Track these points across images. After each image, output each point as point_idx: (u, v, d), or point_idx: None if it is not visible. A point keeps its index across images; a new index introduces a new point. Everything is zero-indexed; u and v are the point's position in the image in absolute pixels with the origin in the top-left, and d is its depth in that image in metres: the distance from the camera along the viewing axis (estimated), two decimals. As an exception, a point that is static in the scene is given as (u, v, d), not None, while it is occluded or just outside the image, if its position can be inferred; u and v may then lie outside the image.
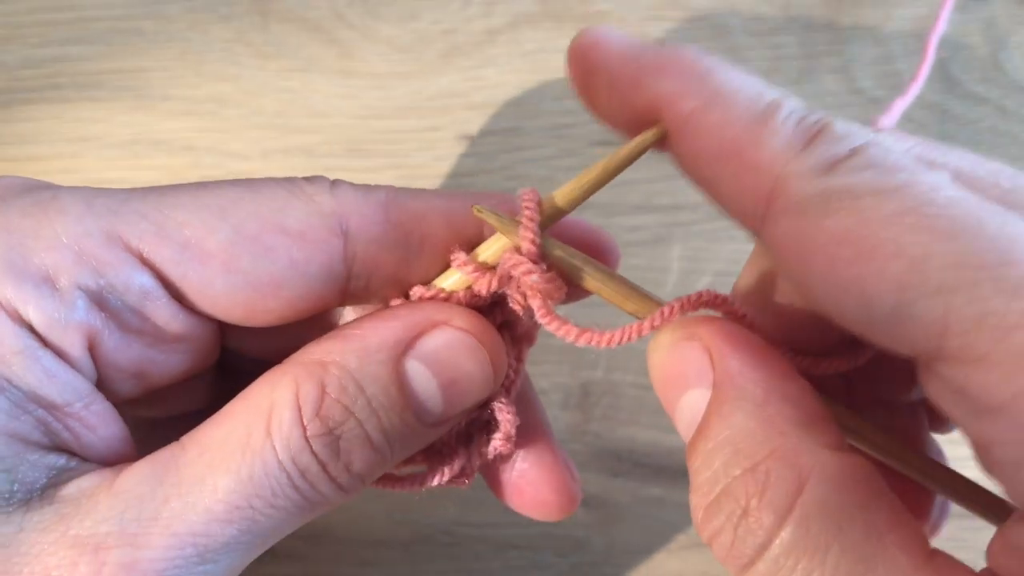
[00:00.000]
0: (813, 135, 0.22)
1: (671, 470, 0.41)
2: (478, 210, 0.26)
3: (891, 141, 0.23)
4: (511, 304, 0.27)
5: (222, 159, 0.47)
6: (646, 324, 0.25)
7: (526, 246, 0.25)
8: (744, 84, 0.23)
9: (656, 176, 0.46)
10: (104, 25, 0.49)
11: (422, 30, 0.49)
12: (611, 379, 0.43)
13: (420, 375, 0.26)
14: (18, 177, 0.26)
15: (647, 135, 0.24)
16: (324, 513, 0.26)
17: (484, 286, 0.26)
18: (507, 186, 0.46)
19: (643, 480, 0.42)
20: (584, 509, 0.41)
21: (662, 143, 0.24)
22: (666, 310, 0.25)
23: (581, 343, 0.26)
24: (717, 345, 0.24)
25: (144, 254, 0.24)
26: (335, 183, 0.26)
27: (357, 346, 0.25)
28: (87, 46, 0.49)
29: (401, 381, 0.25)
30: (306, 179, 0.26)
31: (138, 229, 0.24)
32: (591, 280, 0.26)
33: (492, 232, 0.26)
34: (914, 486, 0.28)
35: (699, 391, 0.23)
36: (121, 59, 0.49)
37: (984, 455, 0.21)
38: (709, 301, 0.25)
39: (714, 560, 0.41)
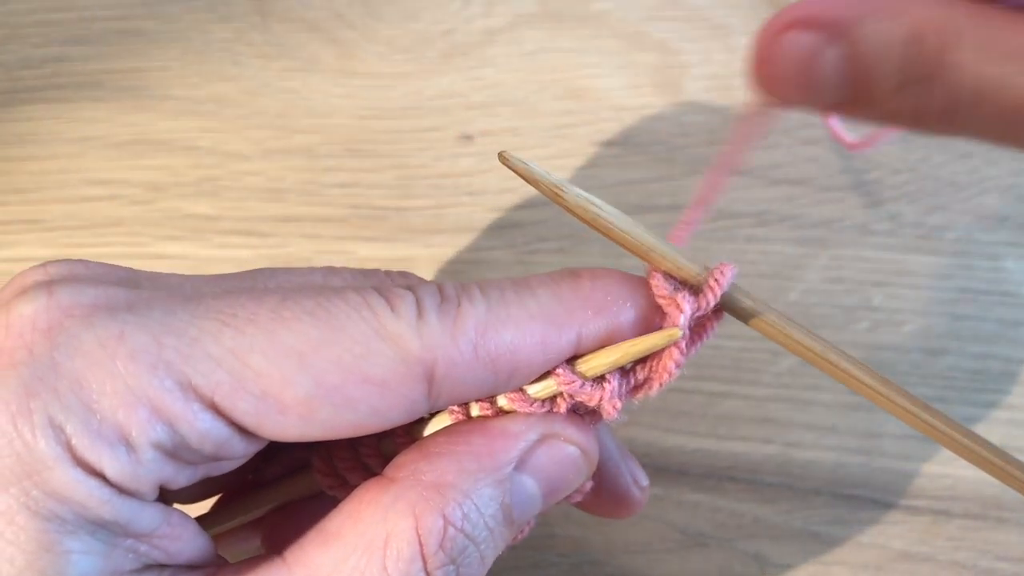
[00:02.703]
0: None
1: (671, 470, 0.41)
2: (504, 158, 0.25)
3: None
4: (583, 398, 0.26)
5: (223, 159, 0.47)
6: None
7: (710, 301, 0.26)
8: None
9: (656, 176, 0.46)
10: (104, 25, 0.49)
11: (422, 30, 0.49)
12: (611, 379, 0.43)
13: (528, 488, 0.26)
14: (66, 284, 0.24)
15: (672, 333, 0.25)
16: None
17: (596, 397, 0.26)
18: (506, 186, 0.46)
19: (643, 480, 0.42)
20: (584, 509, 0.41)
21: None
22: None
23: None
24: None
25: (218, 404, 0.23)
26: (421, 316, 0.24)
27: (472, 466, 0.25)
28: (87, 46, 0.49)
29: (513, 499, 0.25)
30: (389, 305, 0.24)
31: (212, 379, 0.23)
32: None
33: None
34: None
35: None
36: (121, 59, 0.49)
37: None
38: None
39: (714, 560, 0.41)
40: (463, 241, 0.45)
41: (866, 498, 0.41)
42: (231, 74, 0.48)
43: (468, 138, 0.47)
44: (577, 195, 0.25)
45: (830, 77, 0.22)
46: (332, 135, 0.47)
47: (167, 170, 0.46)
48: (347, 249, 0.45)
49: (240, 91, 0.48)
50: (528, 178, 0.25)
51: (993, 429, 0.41)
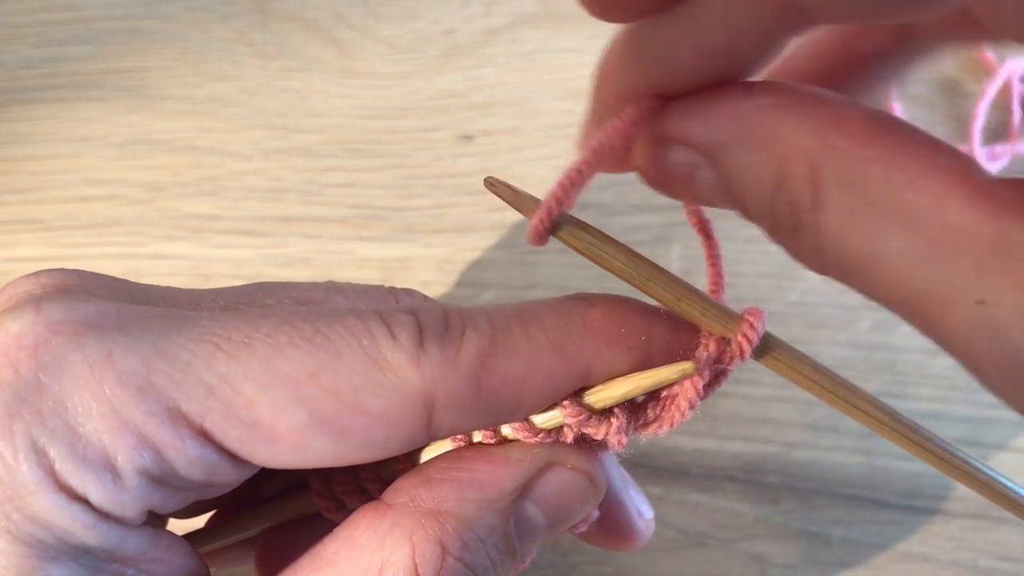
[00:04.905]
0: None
1: (670, 470, 0.41)
2: (490, 184, 0.24)
3: None
4: (589, 431, 0.26)
5: (222, 159, 0.47)
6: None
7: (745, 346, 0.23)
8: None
9: (656, 176, 0.46)
10: (104, 25, 0.49)
11: (422, 30, 0.49)
12: (611, 379, 0.43)
13: (531, 516, 0.25)
14: (56, 298, 0.23)
15: (685, 367, 0.23)
16: None
17: (603, 431, 0.25)
18: (507, 186, 0.46)
19: (643, 480, 0.42)
20: (584, 509, 0.41)
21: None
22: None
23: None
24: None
25: (208, 431, 0.22)
26: (422, 345, 0.23)
27: (474, 495, 0.24)
28: (87, 46, 0.49)
29: (516, 527, 0.24)
30: (389, 332, 0.23)
31: (203, 406, 0.22)
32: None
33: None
34: None
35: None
36: (121, 59, 0.49)
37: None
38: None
39: (714, 560, 0.41)
40: (463, 241, 0.45)
41: (866, 498, 0.41)
42: (231, 74, 0.48)
43: (468, 138, 0.47)
44: (571, 223, 0.24)
45: (708, 192, 0.22)
46: (332, 135, 0.47)
47: (166, 170, 0.46)
48: (347, 249, 0.45)
49: (240, 91, 0.48)
50: (516, 205, 0.24)
51: (993, 429, 0.41)
